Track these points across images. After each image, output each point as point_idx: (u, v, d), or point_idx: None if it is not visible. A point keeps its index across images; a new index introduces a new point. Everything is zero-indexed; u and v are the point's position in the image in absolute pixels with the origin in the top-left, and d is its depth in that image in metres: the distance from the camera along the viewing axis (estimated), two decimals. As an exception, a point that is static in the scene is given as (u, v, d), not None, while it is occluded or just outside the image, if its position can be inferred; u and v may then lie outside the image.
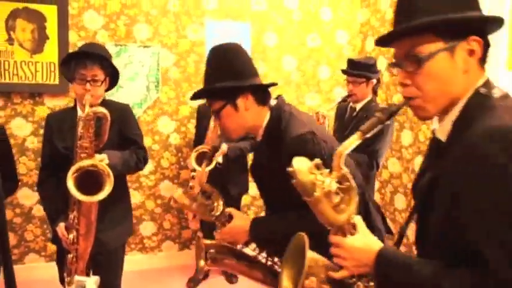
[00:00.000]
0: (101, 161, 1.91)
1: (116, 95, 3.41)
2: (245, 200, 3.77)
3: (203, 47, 3.64)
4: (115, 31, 3.43)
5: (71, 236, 1.95)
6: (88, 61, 2.00)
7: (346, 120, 2.73)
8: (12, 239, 3.36)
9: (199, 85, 3.23)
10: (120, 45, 3.44)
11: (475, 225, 0.81)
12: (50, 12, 3.25)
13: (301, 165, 0.94)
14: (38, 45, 3.26)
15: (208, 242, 1.49)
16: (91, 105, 1.92)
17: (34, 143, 3.33)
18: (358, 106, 2.78)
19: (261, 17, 3.78)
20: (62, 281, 2.19)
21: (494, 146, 0.78)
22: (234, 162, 3.18)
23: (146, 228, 3.68)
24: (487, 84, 0.92)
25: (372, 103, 2.77)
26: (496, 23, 0.93)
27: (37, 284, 3.31)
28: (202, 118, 3.27)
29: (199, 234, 1.54)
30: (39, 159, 3.30)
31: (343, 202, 0.95)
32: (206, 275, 3.50)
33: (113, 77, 2.18)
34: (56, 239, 2.12)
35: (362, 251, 0.95)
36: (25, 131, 3.31)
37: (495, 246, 0.78)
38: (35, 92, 3.30)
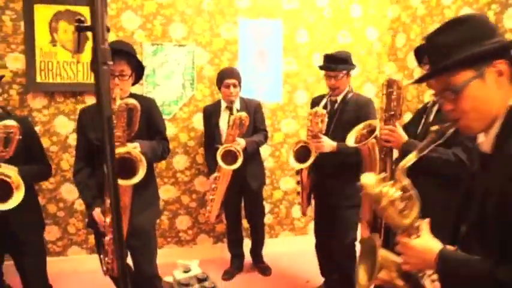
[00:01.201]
0: (134, 148, 2.07)
1: (152, 93, 3.53)
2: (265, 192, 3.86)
3: (236, 45, 3.72)
4: (151, 31, 3.53)
5: (108, 220, 2.08)
6: (116, 57, 2.13)
7: (329, 112, 2.76)
8: (56, 232, 3.51)
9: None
10: (157, 44, 3.54)
11: None
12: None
13: (368, 180, 1.16)
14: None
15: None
16: (121, 98, 2.07)
17: (76, 140, 3.46)
18: (339, 98, 2.81)
19: (292, 14, 3.83)
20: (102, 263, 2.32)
21: None
22: (252, 156, 3.25)
23: (182, 222, 3.80)
24: None
25: (350, 93, 2.81)
26: None
27: (79, 275, 3.46)
28: (209, 117, 3.34)
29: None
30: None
31: (407, 208, 1.14)
32: (240, 269, 3.59)
33: (138, 71, 2.33)
34: (91, 224, 2.26)
35: (424, 252, 1.14)
36: (68, 128, 3.44)
37: None
38: (77, 91, 3.43)
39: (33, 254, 2.27)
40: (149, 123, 2.34)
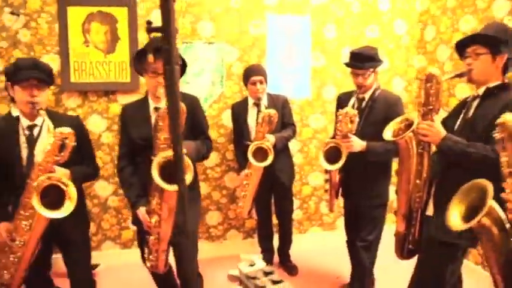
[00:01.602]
0: None
1: (183, 91, 3.56)
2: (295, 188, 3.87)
3: (264, 42, 3.73)
4: (181, 29, 3.56)
5: (153, 220, 2.09)
6: (158, 54, 2.11)
7: (357, 110, 2.71)
8: (91, 228, 3.59)
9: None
10: (186, 42, 3.58)
11: None
12: (121, 14, 3.43)
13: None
14: (111, 45, 3.45)
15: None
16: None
17: (109, 138, 3.54)
18: (367, 96, 2.77)
19: (320, 10, 3.81)
20: (144, 259, 2.35)
21: None
22: (281, 150, 3.25)
23: (212, 217, 3.85)
24: None
25: (378, 90, 2.77)
26: None
27: (112, 269, 3.55)
28: (237, 114, 3.36)
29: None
30: (113, 153, 3.52)
31: None
32: (271, 263, 3.60)
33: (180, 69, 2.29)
34: (136, 221, 2.27)
35: None
36: (101, 127, 3.52)
37: None
38: (109, 90, 3.50)
39: (80, 251, 2.31)
40: (193, 123, 2.30)
